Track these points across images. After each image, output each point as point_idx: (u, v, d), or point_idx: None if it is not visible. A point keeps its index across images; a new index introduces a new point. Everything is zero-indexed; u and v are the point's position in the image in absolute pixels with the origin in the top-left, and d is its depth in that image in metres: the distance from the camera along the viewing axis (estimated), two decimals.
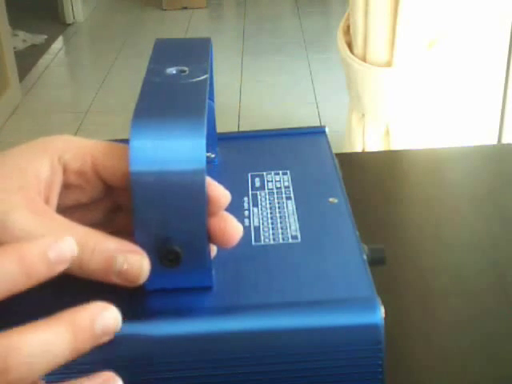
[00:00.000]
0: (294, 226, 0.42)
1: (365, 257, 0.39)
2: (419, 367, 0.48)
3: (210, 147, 0.51)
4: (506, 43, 1.59)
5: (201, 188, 0.34)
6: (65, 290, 0.37)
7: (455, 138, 1.58)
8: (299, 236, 0.41)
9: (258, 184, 0.47)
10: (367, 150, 1.58)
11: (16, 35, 3.66)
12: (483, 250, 0.59)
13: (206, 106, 0.36)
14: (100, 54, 3.67)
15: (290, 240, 0.41)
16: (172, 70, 0.40)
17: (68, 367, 0.34)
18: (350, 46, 1.56)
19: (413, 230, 0.63)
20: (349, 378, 0.36)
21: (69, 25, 4.03)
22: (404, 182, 0.73)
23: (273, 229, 0.42)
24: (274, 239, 0.41)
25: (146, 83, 0.39)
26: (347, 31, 1.58)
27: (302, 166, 0.49)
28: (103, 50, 3.67)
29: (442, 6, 1.45)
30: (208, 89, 0.38)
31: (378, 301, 0.35)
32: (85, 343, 0.31)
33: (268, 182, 0.47)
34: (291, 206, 0.44)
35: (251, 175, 0.48)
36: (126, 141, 0.35)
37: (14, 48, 3.25)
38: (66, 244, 0.31)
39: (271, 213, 0.44)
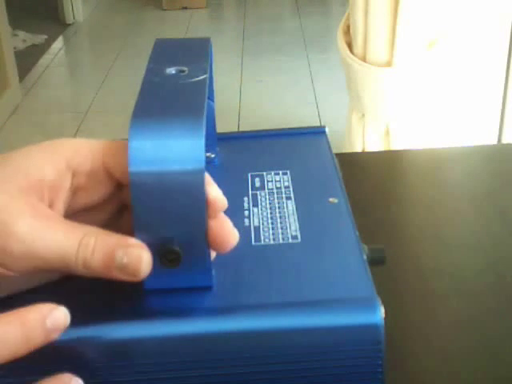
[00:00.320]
0: (294, 226, 0.42)
1: (365, 257, 0.39)
2: (419, 367, 0.48)
3: (210, 147, 0.51)
4: (506, 43, 1.59)
5: (200, 188, 0.34)
6: (65, 291, 0.37)
7: (455, 138, 1.58)
8: (299, 236, 0.41)
9: (258, 184, 0.47)
10: (367, 150, 1.58)
11: (16, 35, 3.66)
12: (483, 250, 0.59)
13: (206, 106, 0.36)
14: (100, 54, 3.67)
15: (290, 240, 0.41)
16: (171, 70, 0.40)
17: (65, 367, 0.34)
18: (350, 46, 1.56)
19: (413, 230, 0.63)
20: (349, 377, 0.36)
21: (69, 25, 4.03)
22: (404, 181, 0.73)
23: (273, 229, 0.42)
24: (273, 239, 0.41)
25: (145, 83, 0.39)
26: (347, 31, 1.58)
27: (302, 166, 0.49)
28: (103, 50, 3.67)
29: (441, 6, 1.45)
30: (207, 89, 0.38)
31: (378, 301, 0.35)
32: (36, 337, 0.32)
33: (268, 181, 0.47)
34: (291, 206, 0.44)
35: (251, 175, 0.48)
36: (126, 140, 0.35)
37: (14, 48, 3.25)
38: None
39: (271, 213, 0.44)
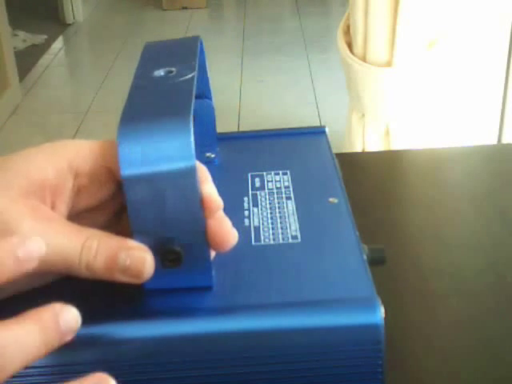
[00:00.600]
0: (294, 226, 0.42)
1: (365, 257, 0.39)
2: (419, 367, 0.48)
3: (210, 147, 0.51)
4: (506, 43, 1.59)
5: (193, 186, 0.34)
6: (65, 291, 0.37)
7: (455, 138, 1.58)
8: (299, 236, 0.41)
9: (258, 184, 0.47)
10: (367, 150, 1.58)
11: (16, 35, 3.66)
12: (483, 250, 0.59)
13: (193, 103, 0.36)
14: (100, 54, 3.67)
15: (290, 240, 0.41)
16: (160, 72, 0.40)
17: (67, 368, 0.34)
18: (350, 46, 1.56)
19: (413, 230, 0.63)
20: (349, 377, 0.36)
21: (69, 25, 4.04)
22: (404, 181, 0.73)
23: (273, 229, 0.42)
24: (273, 239, 0.41)
25: (133, 87, 0.38)
26: (347, 31, 1.58)
27: (302, 166, 0.49)
28: (103, 50, 3.67)
29: (441, 6, 1.45)
30: (195, 86, 0.38)
31: (378, 301, 0.35)
32: (53, 340, 0.32)
33: (268, 181, 0.47)
34: (291, 206, 0.44)
35: (251, 175, 0.48)
36: None
37: (14, 48, 3.25)
38: (34, 244, 0.32)
39: (271, 213, 0.44)
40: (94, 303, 0.37)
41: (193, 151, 0.34)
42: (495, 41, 1.58)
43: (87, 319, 0.35)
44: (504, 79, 1.62)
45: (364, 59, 1.52)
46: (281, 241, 0.41)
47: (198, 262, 0.36)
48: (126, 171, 0.34)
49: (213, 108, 0.49)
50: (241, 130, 2.63)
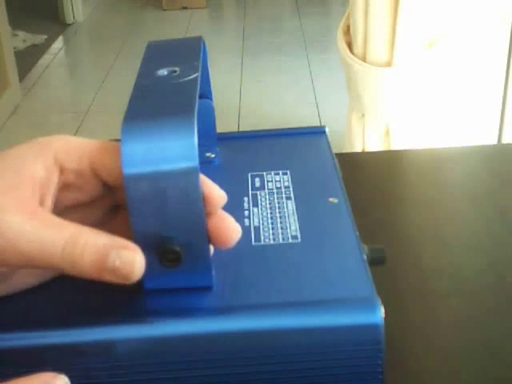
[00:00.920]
0: (294, 226, 0.42)
1: (365, 257, 0.39)
2: (419, 367, 0.48)
3: (210, 147, 0.51)
4: (506, 43, 1.59)
5: (195, 186, 0.34)
6: (65, 291, 0.37)
7: (455, 138, 1.58)
8: (299, 236, 0.41)
9: (258, 184, 0.47)
10: (367, 150, 1.58)
11: (16, 35, 3.66)
12: (483, 250, 0.59)
13: (197, 104, 0.36)
14: (100, 54, 3.67)
15: (290, 240, 0.41)
16: (163, 72, 0.40)
17: (67, 368, 0.34)
18: (350, 45, 1.56)
19: (413, 230, 0.63)
20: (349, 377, 0.36)
21: (69, 25, 4.04)
22: (404, 182, 0.73)
23: (273, 229, 0.42)
24: (273, 239, 0.41)
25: (137, 86, 0.38)
26: (347, 31, 1.58)
27: (302, 166, 0.49)
28: (103, 50, 3.67)
29: (441, 6, 1.45)
30: (198, 87, 0.38)
31: (378, 301, 0.35)
32: None
33: (268, 181, 0.47)
34: (291, 206, 0.44)
35: (251, 175, 0.48)
36: None
37: (14, 48, 3.25)
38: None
39: (271, 213, 0.44)
40: (93, 303, 0.37)
41: (196, 152, 0.34)
42: (495, 41, 1.58)
43: (87, 319, 0.35)
44: (504, 79, 1.62)
45: (364, 59, 1.52)
46: (281, 241, 0.41)
47: (198, 261, 0.36)
48: (129, 170, 0.34)
49: (213, 108, 0.49)
50: (241, 129, 2.63)
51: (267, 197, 0.45)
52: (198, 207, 0.35)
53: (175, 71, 0.39)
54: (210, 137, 0.50)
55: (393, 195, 0.69)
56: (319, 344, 0.35)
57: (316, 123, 2.64)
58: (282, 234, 0.41)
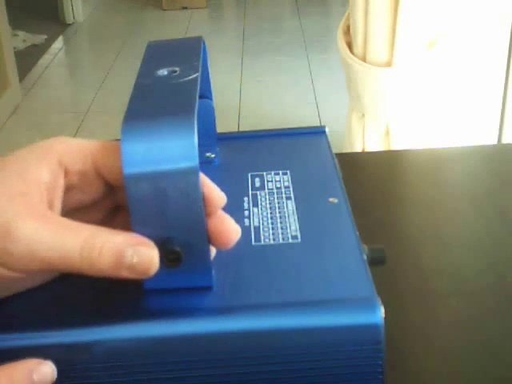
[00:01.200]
0: (294, 226, 0.42)
1: (365, 257, 0.39)
2: (419, 367, 0.48)
3: (210, 147, 0.51)
4: (506, 43, 1.59)
5: (195, 186, 0.34)
6: (65, 291, 0.37)
7: (455, 138, 1.58)
8: (299, 236, 0.41)
9: (258, 184, 0.47)
10: (367, 150, 1.58)
11: (16, 35, 3.66)
12: (483, 250, 0.59)
13: (197, 104, 0.36)
14: (100, 54, 3.67)
15: (290, 240, 0.41)
16: (163, 71, 0.40)
17: (66, 368, 0.34)
18: (350, 45, 1.56)
19: (413, 229, 0.63)
20: (349, 377, 0.36)
21: (69, 25, 4.03)
22: (404, 182, 0.73)
23: (273, 229, 0.42)
24: (274, 239, 0.41)
25: (137, 86, 0.38)
26: (347, 31, 1.58)
27: (302, 166, 0.49)
28: (103, 50, 3.67)
29: (441, 6, 1.45)
30: (198, 87, 0.38)
31: (378, 301, 0.35)
32: None
33: (268, 181, 0.47)
34: (291, 206, 0.44)
35: (251, 175, 0.48)
36: None
37: (14, 48, 3.25)
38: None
39: (271, 213, 0.44)
40: (93, 303, 0.37)
41: (196, 151, 0.34)
42: (495, 41, 1.58)
43: (87, 319, 0.35)
44: (504, 79, 1.62)
45: (364, 59, 1.52)
46: (281, 241, 0.41)
47: (198, 262, 0.36)
48: (129, 169, 0.34)
49: (213, 108, 0.49)
50: (241, 130, 2.63)
51: (267, 197, 0.45)
52: (198, 207, 0.35)
53: (175, 71, 0.39)
54: (210, 137, 0.50)
55: (393, 195, 0.69)
56: (319, 344, 0.35)
57: (316, 123, 2.64)
58: (282, 234, 0.41)
